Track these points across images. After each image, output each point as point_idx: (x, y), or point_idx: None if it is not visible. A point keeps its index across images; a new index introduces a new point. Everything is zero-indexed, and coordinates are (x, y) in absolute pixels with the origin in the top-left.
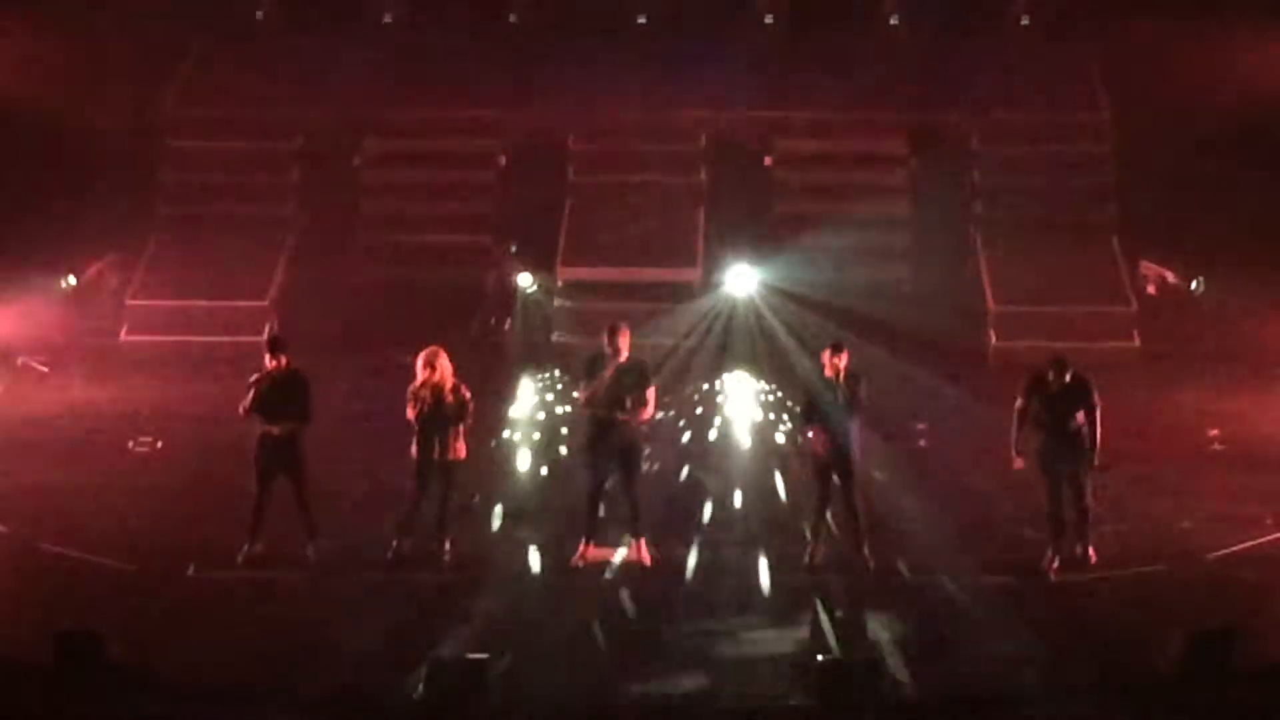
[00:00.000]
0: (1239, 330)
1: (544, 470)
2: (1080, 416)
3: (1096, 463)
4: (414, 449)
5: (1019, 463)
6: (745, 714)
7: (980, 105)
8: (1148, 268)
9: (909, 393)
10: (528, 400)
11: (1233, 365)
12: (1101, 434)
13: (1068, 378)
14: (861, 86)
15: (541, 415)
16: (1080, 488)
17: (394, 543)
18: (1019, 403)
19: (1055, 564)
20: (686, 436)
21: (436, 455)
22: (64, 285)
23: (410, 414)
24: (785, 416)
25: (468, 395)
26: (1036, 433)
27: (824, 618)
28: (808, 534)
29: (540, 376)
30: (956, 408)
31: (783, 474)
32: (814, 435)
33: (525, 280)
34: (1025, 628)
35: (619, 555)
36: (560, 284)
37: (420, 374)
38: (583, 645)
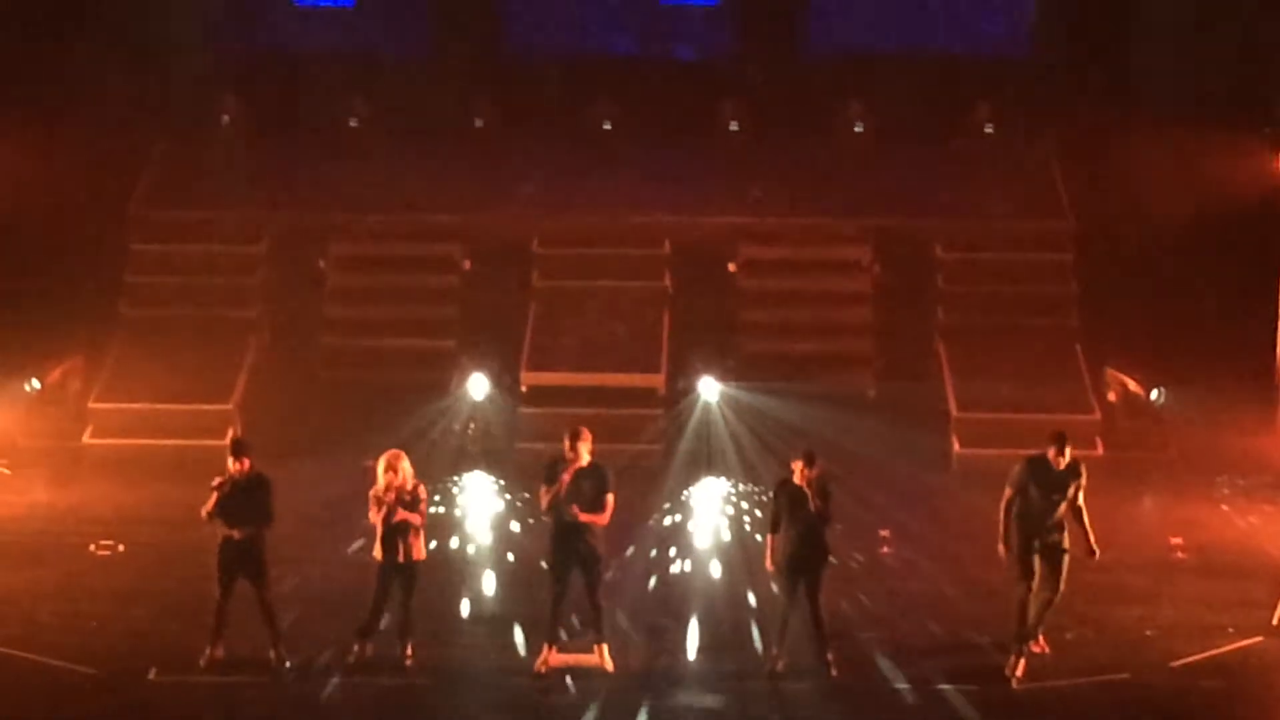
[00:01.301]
0: (1200, 439)
1: (506, 574)
2: (1064, 509)
3: (1096, 553)
4: (376, 552)
5: (1004, 553)
6: None
7: (944, 212)
8: (1113, 375)
9: (872, 499)
10: (487, 504)
11: (1194, 474)
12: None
13: (1067, 456)
14: (825, 193)
15: (501, 520)
16: (1059, 580)
17: (355, 647)
18: (1008, 493)
19: (1020, 669)
20: (660, 541)
21: (400, 558)
22: (28, 388)
23: (373, 517)
24: (757, 518)
25: (423, 495)
26: (1019, 526)
27: None
28: (773, 643)
29: (499, 481)
30: (920, 514)
31: (747, 580)
32: (781, 542)
33: (479, 385)
34: None
35: (581, 660)
36: (525, 389)
37: (382, 477)
38: None
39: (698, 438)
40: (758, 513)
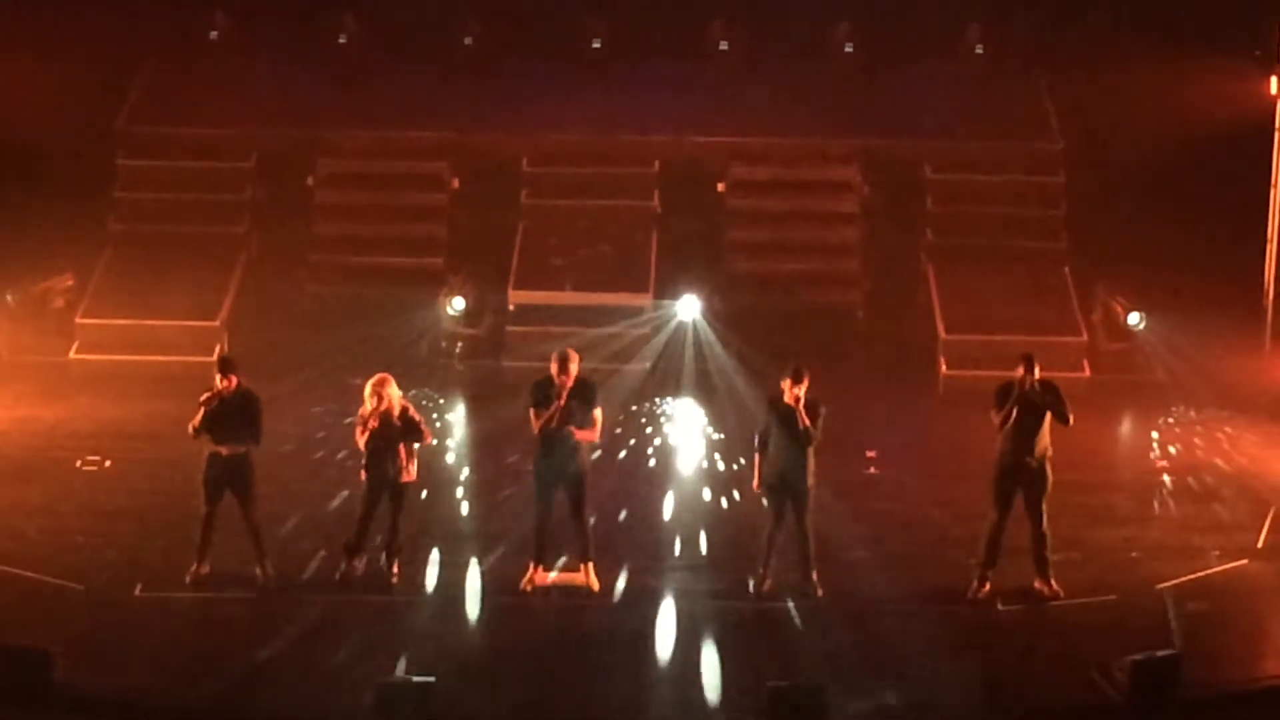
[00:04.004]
0: (1186, 362)
1: (492, 494)
2: (1047, 436)
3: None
4: (363, 472)
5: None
6: None
7: (933, 133)
8: (1100, 297)
9: (859, 420)
10: (472, 423)
11: (1178, 398)
12: (1052, 458)
13: (1037, 375)
14: (815, 114)
15: (488, 438)
16: (1039, 512)
17: (343, 564)
18: (997, 419)
19: (984, 590)
20: (643, 460)
21: (387, 478)
22: (8, 300)
23: (359, 438)
24: (722, 443)
25: (418, 418)
26: (998, 452)
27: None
28: (760, 563)
29: (482, 399)
30: (906, 435)
31: (732, 499)
32: (769, 461)
33: (458, 304)
34: (975, 656)
35: (567, 579)
36: (512, 308)
37: (368, 401)
38: (530, 668)
39: (676, 357)
40: (725, 441)
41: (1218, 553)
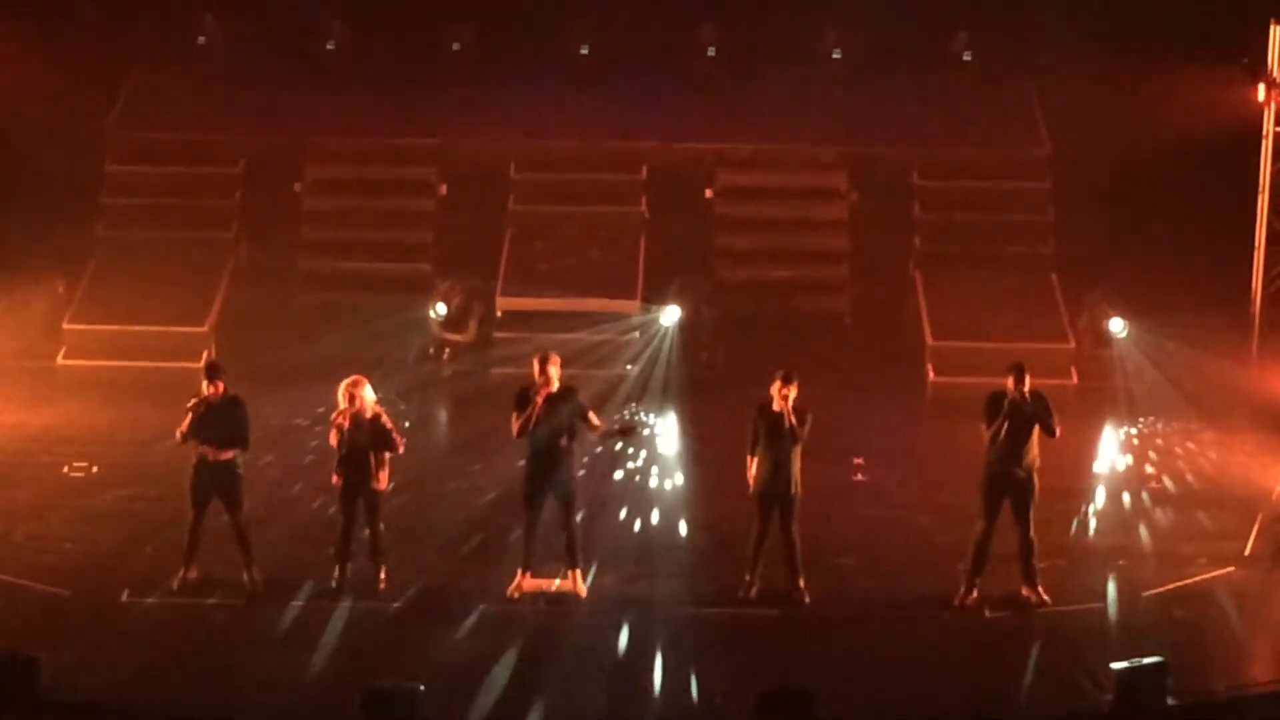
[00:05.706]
0: (1174, 370)
1: (482, 499)
2: (1036, 446)
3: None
4: (334, 477)
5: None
6: None
7: (921, 140)
8: (1088, 303)
9: (847, 426)
10: (459, 429)
11: (1164, 405)
12: (1040, 467)
13: (1028, 386)
14: (803, 120)
15: (477, 444)
16: (1027, 520)
17: (336, 571)
18: (988, 432)
19: (971, 597)
20: (619, 472)
21: (356, 482)
22: None
23: (332, 441)
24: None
25: (389, 425)
26: (985, 461)
27: None
28: (746, 569)
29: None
30: (894, 442)
31: (719, 506)
32: (757, 468)
33: (440, 310)
34: (962, 662)
35: (555, 586)
36: (500, 314)
37: (340, 401)
38: (517, 674)
39: (662, 364)
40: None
41: (1204, 560)
